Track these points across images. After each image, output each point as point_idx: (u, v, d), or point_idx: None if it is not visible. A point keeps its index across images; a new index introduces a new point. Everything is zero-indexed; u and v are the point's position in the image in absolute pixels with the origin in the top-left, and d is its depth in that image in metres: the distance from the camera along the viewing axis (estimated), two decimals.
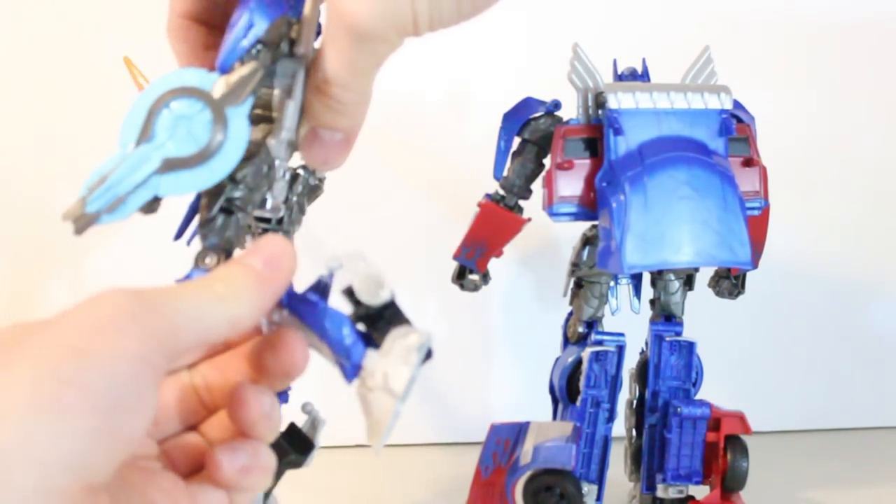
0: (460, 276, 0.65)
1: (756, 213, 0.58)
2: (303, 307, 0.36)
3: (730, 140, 0.57)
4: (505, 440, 0.60)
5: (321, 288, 0.37)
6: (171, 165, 0.36)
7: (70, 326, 0.31)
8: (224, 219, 0.38)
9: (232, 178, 0.38)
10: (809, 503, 0.70)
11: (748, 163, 0.59)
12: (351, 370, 0.36)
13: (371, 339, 0.37)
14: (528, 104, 0.61)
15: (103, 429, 0.30)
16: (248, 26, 0.37)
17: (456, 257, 0.64)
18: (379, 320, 0.37)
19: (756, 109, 0.61)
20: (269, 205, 0.42)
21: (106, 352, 0.30)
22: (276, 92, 0.38)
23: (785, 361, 0.88)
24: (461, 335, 0.85)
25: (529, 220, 0.62)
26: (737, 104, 0.59)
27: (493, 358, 0.85)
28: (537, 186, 0.60)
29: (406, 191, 0.85)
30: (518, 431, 0.61)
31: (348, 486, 0.68)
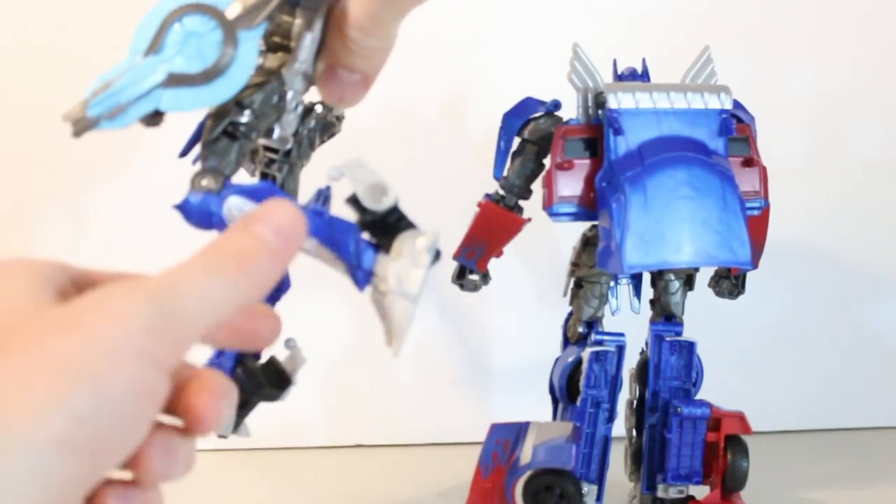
0: (460, 276, 0.65)
1: (756, 213, 0.58)
2: (309, 220, 0.36)
3: (730, 140, 0.57)
4: (505, 440, 0.60)
5: (322, 199, 0.37)
6: (176, 81, 0.36)
7: (82, 340, 0.29)
8: (227, 142, 0.38)
9: (238, 103, 0.37)
10: (809, 503, 0.70)
11: (748, 163, 0.59)
12: (363, 277, 0.36)
13: (379, 245, 0.37)
14: (528, 104, 0.61)
15: (96, 468, 0.29)
16: None
17: (456, 257, 0.64)
18: (385, 226, 0.37)
19: (756, 109, 0.61)
20: (276, 134, 0.41)
21: (124, 381, 0.29)
22: (298, 22, 0.38)
23: (785, 361, 0.88)
24: (461, 335, 0.85)
25: (529, 220, 0.62)
26: (737, 104, 0.59)
27: (493, 358, 0.85)
28: (537, 186, 0.61)
29: (406, 191, 0.85)
30: (518, 431, 0.61)
31: (348, 486, 0.68)
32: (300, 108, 0.42)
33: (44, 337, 0.30)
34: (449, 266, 0.65)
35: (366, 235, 0.37)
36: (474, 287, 0.65)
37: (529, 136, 0.61)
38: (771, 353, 0.88)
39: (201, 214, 0.37)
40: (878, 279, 0.88)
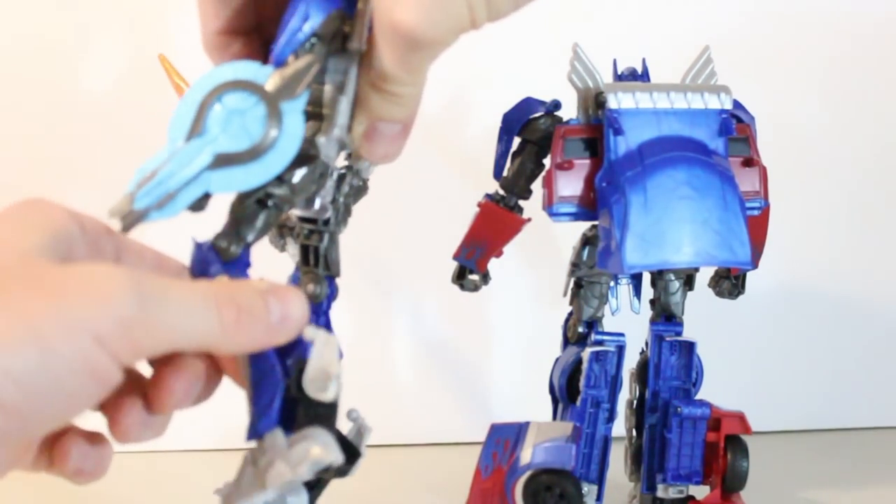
0: (460, 276, 0.65)
1: (756, 213, 0.58)
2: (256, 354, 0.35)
3: (730, 140, 0.57)
4: (505, 440, 0.60)
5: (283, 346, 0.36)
6: (224, 161, 0.35)
7: (53, 312, 0.30)
8: (255, 208, 0.37)
9: (277, 177, 0.37)
10: (809, 503, 0.70)
11: (748, 163, 0.59)
12: (252, 433, 0.35)
13: (290, 420, 0.36)
14: (528, 104, 0.61)
15: (21, 430, 0.30)
16: (303, 18, 0.36)
17: (456, 257, 0.64)
18: (310, 410, 0.36)
19: (756, 109, 0.61)
20: (316, 205, 0.41)
21: (73, 358, 0.30)
22: (328, 88, 0.37)
23: (785, 361, 0.88)
24: (461, 335, 0.85)
25: (529, 220, 0.62)
26: (737, 104, 0.59)
27: (493, 358, 0.85)
28: (537, 186, 0.61)
29: (405, 191, 0.85)
30: (518, 431, 0.61)
31: (348, 486, 0.68)
32: (335, 175, 0.41)
33: (14, 291, 0.30)
34: (449, 266, 0.65)
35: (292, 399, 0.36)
36: (474, 287, 0.65)
37: (529, 136, 0.61)
38: (771, 353, 0.88)
39: (203, 265, 0.37)
40: (879, 279, 0.89)
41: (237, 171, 0.35)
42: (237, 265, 0.37)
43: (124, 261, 0.37)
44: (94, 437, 0.37)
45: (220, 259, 0.37)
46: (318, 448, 0.34)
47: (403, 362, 0.84)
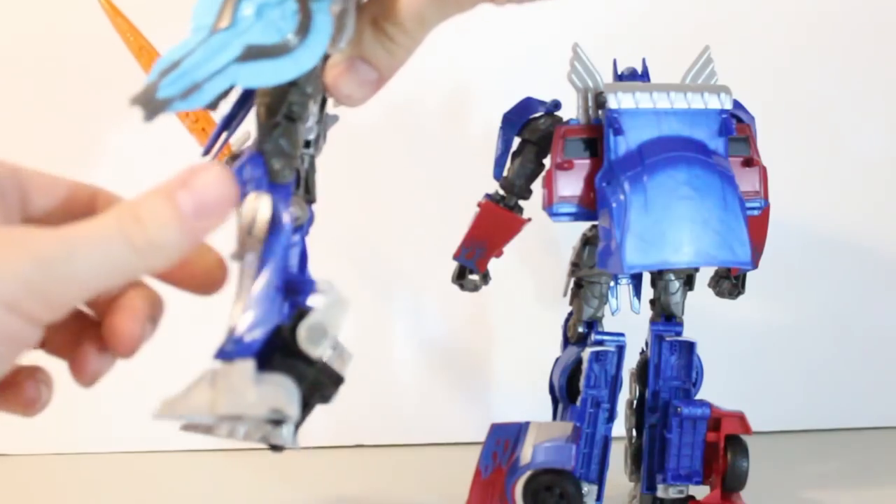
0: (460, 276, 0.65)
1: (756, 213, 0.59)
2: (272, 237, 0.34)
3: (730, 140, 0.57)
4: (505, 440, 0.60)
5: (293, 288, 0.35)
6: (254, 54, 0.34)
7: None
8: (287, 124, 0.37)
9: (294, 82, 0.36)
10: (809, 503, 0.70)
11: (748, 163, 0.59)
12: (222, 353, 0.33)
13: (266, 358, 0.34)
14: (528, 104, 0.61)
15: None
16: None
17: (456, 257, 0.64)
18: (288, 360, 0.35)
19: (756, 109, 0.61)
20: (309, 122, 0.40)
21: None
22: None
23: (785, 361, 0.88)
24: (461, 335, 0.85)
25: (529, 220, 0.62)
26: (737, 104, 0.59)
27: (493, 358, 0.85)
28: (537, 186, 0.61)
29: (406, 191, 0.85)
30: (518, 431, 0.61)
31: (348, 486, 0.68)
32: (319, 97, 0.41)
33: None
34: (449, 266, 0.65)
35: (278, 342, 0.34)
36: (474, 287, 0.65)
37: (529, 136, 0.61)
38: (771, 353, 0.88)
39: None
40: (879, 279, 0.89)
41: (267, 65, 0.34)
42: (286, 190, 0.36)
43: (32, 201, 0.37)
44: (37, 371, 0.38)
45: (269, 180, 0.36)
46: (283, 398, 0.34)
47: (403, 362, 0.84)
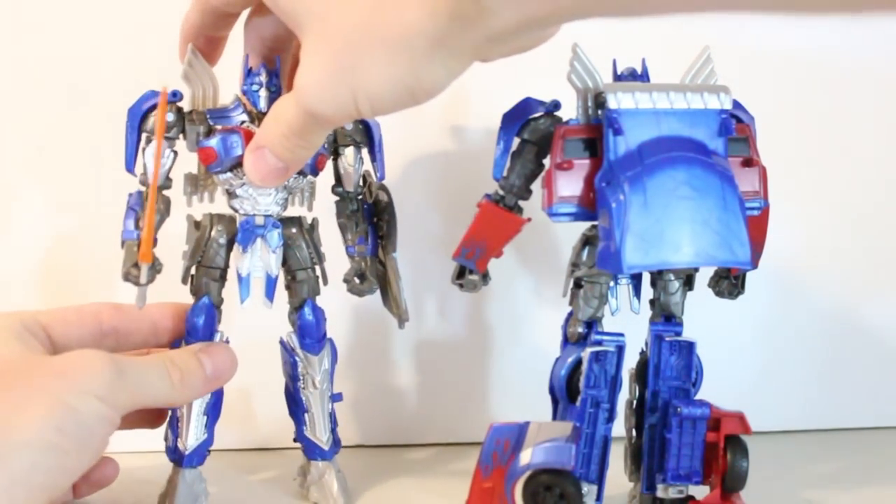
0: (460, 277, 0.65)
1: (756, 213, 0.59)
2: None
3: (729, 140, 0.57)
4: (505, 440, 0.60)
5: None
6: None
7: (65, 383, 0.45)
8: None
9: None
10: (809, 503, 0.70)
11: (748, 163, 0.59)
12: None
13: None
14: (527, 104, 0.61)
15: (77, 467, 0.45)
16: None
17: (455, 257, 0.64)
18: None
19: (756, 109, 0.61)
20: None
21: (90, 413, 0.45)
22: None
23: (785, 361, 0.88)
24: (461, 335, 0.85)
25: (529, 220, 0.62)
26: (736, 104, 0.59)
27: (493, 358, 0.85)
28: (537, 186, 0.61)
29: (405, 191, 0.85)
30: (518, 431, 0.61)
31: (348, 486, 0.68)
32: None
33: (34, 378, 0.45)
34: (449, 266, 0.65)
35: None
36: (474, 287, 0.65)
37: (529, 136, 0.61)
38: (771, 353, 0.87)
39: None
40: (879, 279, 0.88)
41: None
42: None
43: (54, 341, 0.54)
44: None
45: None
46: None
47: (403, 362, 0.84)
